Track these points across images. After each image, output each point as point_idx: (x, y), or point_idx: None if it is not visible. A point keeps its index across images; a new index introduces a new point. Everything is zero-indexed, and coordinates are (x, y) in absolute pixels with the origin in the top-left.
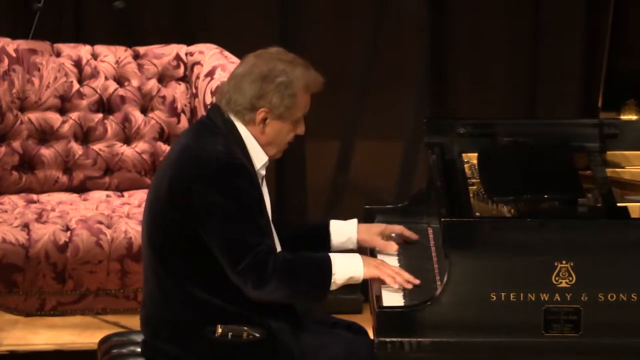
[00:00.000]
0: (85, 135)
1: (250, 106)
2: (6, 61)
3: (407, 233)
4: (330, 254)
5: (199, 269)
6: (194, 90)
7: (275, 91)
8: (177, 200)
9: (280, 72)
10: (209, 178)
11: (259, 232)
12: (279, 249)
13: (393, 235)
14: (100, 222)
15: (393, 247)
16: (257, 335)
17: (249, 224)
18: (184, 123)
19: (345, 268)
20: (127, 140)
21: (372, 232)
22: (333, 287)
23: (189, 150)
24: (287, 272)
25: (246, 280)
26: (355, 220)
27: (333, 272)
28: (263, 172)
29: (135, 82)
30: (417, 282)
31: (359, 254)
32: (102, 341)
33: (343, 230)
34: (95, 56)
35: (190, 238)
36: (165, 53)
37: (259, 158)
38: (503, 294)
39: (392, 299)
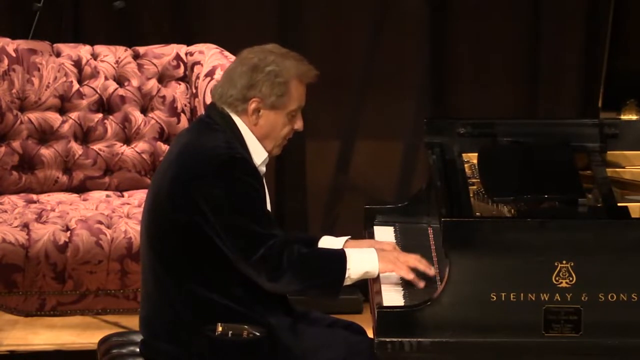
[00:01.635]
0: (85, 135)
1: (242, 97)
2: (6, 61)
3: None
4: (346, 249)
5: (200, 267)
6: (194, 90)
7: (265, 80)
8: (180, 199)
9: (270, 62)
10: (212, 173)
11: (268, 222)
12: None
13: None
14: (100, 222)
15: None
16: (258, 334)
17: (257, 215)
18: (184, 123)
19: (360, 263)
20: (127, 140)
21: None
22: (348, 282)
23: (189, 148)
24: (302, 266)
25: (260, 272)
26: (345, 238)
27: (348, 267)
28: (263, 169)
29: (135, 82)
30: (431, 273)
31: (375, 249)
32: (102, 341)
33: (331, 246)
34: (95, 56)
35: (192, 237)
36: (165, 53)
37: (259, 154)
38: (503, 294)
39: (392, 299)
